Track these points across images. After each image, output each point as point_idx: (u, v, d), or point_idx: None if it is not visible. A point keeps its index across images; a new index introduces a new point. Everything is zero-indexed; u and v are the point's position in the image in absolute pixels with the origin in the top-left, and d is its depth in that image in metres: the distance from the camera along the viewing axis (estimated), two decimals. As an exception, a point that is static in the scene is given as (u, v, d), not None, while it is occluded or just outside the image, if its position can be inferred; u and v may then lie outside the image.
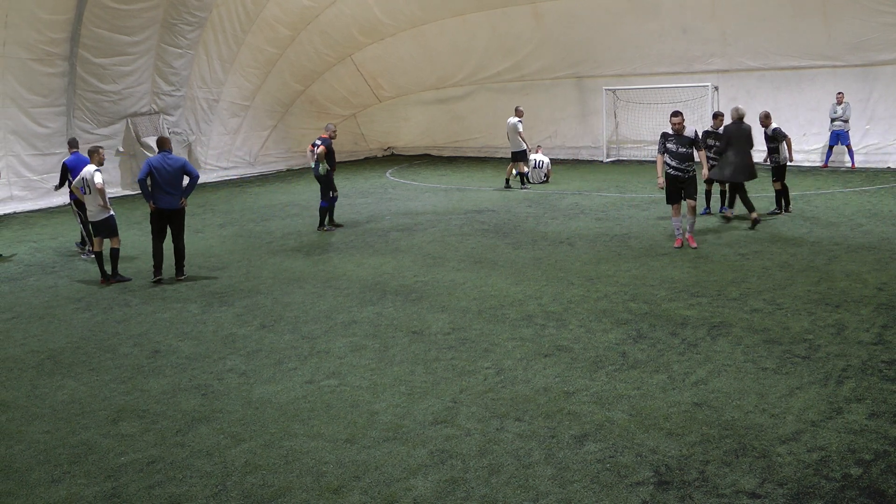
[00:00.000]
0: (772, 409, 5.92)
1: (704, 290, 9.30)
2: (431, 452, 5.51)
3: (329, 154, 14.15)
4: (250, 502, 4.99)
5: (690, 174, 11.50)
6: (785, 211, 13.84)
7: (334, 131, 14.64)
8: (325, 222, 14.57)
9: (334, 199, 14.52)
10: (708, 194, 14.19)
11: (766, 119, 13.54)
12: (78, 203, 13.10)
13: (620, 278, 10.01)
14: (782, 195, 13.79)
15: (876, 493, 4.72)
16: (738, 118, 13.07)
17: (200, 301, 9.93)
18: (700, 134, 11.50)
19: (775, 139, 13.30)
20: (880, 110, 19.43)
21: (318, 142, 14.30)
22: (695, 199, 11.67)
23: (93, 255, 12.31)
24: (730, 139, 13.05)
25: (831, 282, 9.39)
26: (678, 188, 11.59)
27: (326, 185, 14.33)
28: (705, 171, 12.21)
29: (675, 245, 11.65)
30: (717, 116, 13.87)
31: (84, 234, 12.99)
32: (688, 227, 11.80)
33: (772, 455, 5.22)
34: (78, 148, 13.61)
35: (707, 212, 14.16)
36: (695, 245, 11.60)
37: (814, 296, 8.85)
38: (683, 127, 11.45)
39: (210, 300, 9.96)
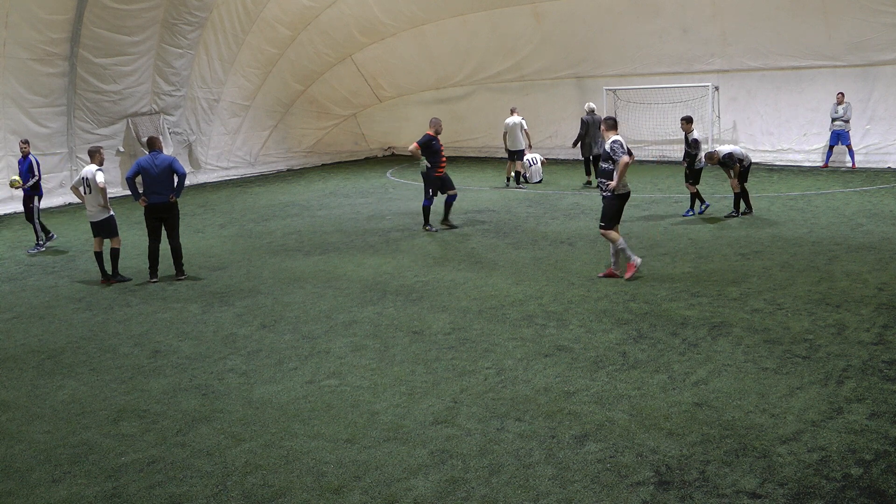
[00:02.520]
0: (772, 409, 5.92)
1: (705, 290, 9.30)
2: (432, 452, 5.51)
3: (425, 149, 13.57)
4: (251, 502, 4.99)
5: (605, 193, 9.86)
6: (699, 209, 14.23)
7: (437, 125, 13.87)
8: (427, 222, 14.02)
9: (431, 200, 13.93)
10: (693, 196, 14.20)
11: (687, 125, 14.05)
12: (29, 199, 13.93)
13: (621, 278, 10.00)
14: (696, 196, 14.20)
15: (876, 494, 4.72)
16: (590, 111, 18.58)
17: (201, 301, 9.93)
18: (614, 146, 9.64)
19: (696, 146, 13.92)
20: (881, 110, 19.41)
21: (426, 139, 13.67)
22: (602, 227, 9.93)
23: (42, 249, 13.75)
24: (589, 126, 18.26)
25: (832, 282, 9.39)
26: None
27: (425, 182, 13.83)
28: (613, 183, 9.72)
29: (626, 276, 9.92)
30: (690, 121, 14.16)
31: (35, 230, 13.92)
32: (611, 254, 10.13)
33: (772, 455, 5.22)
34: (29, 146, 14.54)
35: (690, 213, 14.18)
36: (600, 275, 10.06)
37: (814, 296, 8.85)
38: (610, 134, 9.84)
39: (210, 300, 9.96)
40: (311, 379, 7.07)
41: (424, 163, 13.65)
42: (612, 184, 9.75)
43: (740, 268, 10.26)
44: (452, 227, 14.07)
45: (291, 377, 7.13)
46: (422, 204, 14.02)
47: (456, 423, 5.98)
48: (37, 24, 17.66)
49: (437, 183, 13.80)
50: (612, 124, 9.98)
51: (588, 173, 18.71)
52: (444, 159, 13.83)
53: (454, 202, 14.22)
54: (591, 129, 18.26)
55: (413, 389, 6.69)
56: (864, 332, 7.55)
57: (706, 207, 14.21)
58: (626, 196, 10.00)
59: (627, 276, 9.92)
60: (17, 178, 13.78)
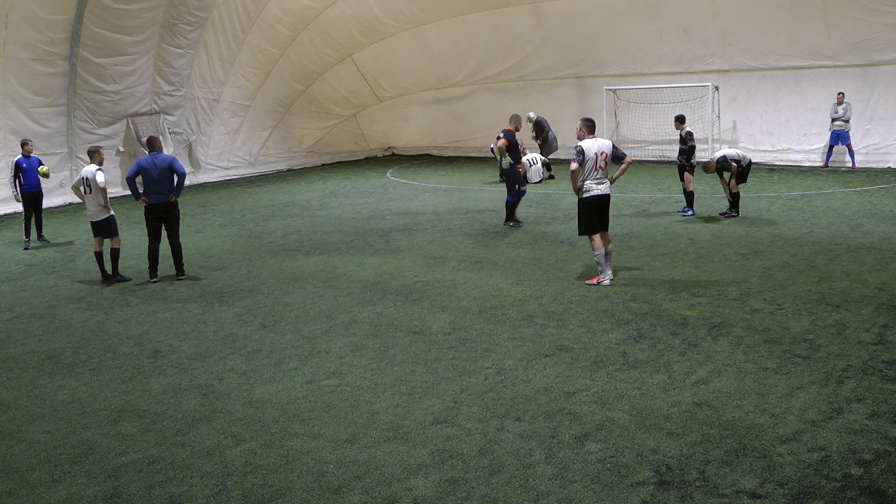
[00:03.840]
0: (772, 409, 5.92)
1: (705, 290, 9.30)
2: (432, 452, 5.51)
3: (511, 147, 13.64)
4: (251, 502, 4.99)
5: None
6: (688, 212, 14.27)
7: (518, 122, 13.97)
8: (511, 217, 14.01)
9: (521, 193, 13.89)
10: (690, 195, 14.22)
11: (680, 124, 14.23)
12: (25, 198, 14.22)
13: (621, 278, 10.00)
14: (692, 196, 14.32)
15: (876, 493, 4.72)
16: (534, 117, 20.58)
17: (201, 301, 9.93)
18: (575, 150, 9.62)
19: (686, 141, 14.07)
20: (881, 110, 19.42)
21: (501, 134, 13.78)
22: (578, 233, 10.01)
23: (31, 245, 14.12)
24: (546, 127, 20.54)
25: (832, 282, 9.39)
26: None
27: (511, 179, 13.82)
28: (573, 189, 9.81)
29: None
30: (683, 120, 14.33)
31: (26, 227, 14.26)
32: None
33: (772, 455, 5.22)
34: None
35: (692, 213, 14.18)
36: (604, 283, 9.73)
37: (814, 296, 8.84)
38: (579, 136, 9.78)
39: (210, 300, 9.95)
40: (311, 379, 7.06)
41: (507, 159, 13.66)
42: (573, 189, 9.74)
43: (740, 268, 10.26)
44: (518, 223, 14.05)
45: (291, 377, 7.13)
46: (506, 200, 14.00)
47: (456, 423, 5.98)
48: (37, 24, 17.66)
49: (519, 177, 13.84)
50: (586, 128, 9.74)
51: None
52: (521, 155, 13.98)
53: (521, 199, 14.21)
54: (543, 129, 20.45)
55: (413, 389, 6.69)
56: (864, 332, 7.55)
57: (691, 214, 14.18)
58: (596, 201, 9.61)
59: (587, 281, 9.82)
60: (45, 167, 14.35)
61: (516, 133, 13.83)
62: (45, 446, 5.95)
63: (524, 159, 19.83)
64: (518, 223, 13.98)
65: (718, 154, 13.66)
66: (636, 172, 20.48)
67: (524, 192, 14.04)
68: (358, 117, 28.43)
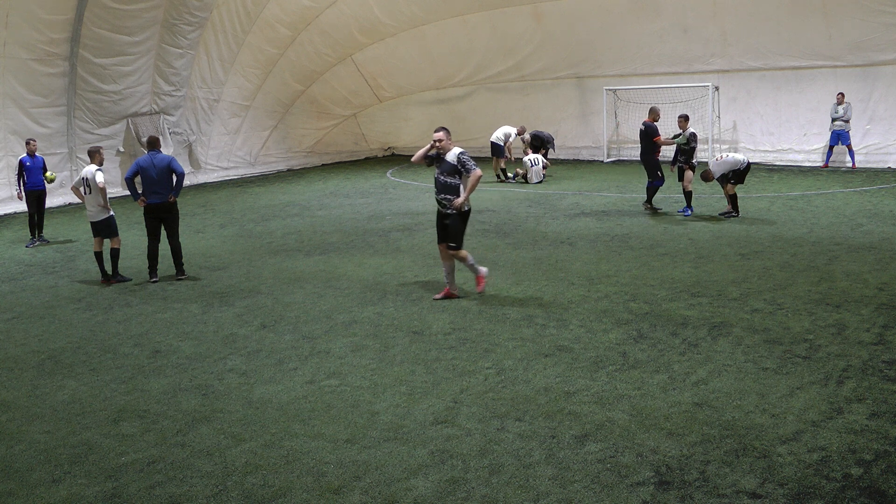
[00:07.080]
0: (772, 409, 5.92)
1: (705, 290, 9.30)
2: (432, 452, 5.51)
3: (654, 134, 14.40)
4: (251, 502, 4.99)
5: (449, 210, 9.01)
6: (687, 212, 14.39)
7: (657, 113, 14.67)
8: (651, 202, 14.76)
9: (661, 180, 14.56)
10: (689, 195, 14.24)
11: (685, 122, 14.36)
12: (29, 196, 14.44)
13: (621, 278, 10.01)
14: (691, 195, 14.48)
15: (876, 494, 4.72)
16: (528, 138, 20.83)
17: (201, 301, 9.93)
18: (463, 158, 8.86)
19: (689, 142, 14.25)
20: (881, 110, 19.43)
21: (643, 127, 14.52)
22: (451, 245, 9.07)
23: (36, 244, 14.24)
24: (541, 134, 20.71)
25: (832, 282, 9.39)
26: (440, 223, 9.18)
27: (652, 166, 14.47)
28: (459, 200, 8.93)
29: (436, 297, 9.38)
30: (687, 119, 14.44)
31: (31, 225, 14.49)
32: (444, 275, 9.40)
33: (772, 455, 5.22)
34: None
35: (690, 212, 14.20)
36: (437, 297, 9.33)
37: (814, 296, 8.84)
38: (447, 146, 8.96)
39: (210, 300, 9.95)
40: (311, 379, 7.06)
41: (685, 134, 14.23)
42: (460, 200, 8.95)
43: (740, 268, 10.26)
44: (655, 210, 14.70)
45: (291, 377, 7.13)
46: (653, 185, 14.55)
47: (456, 423, 5.98)
48: (37, 24, 17.65)
49: (659, 165, 14.50)
50: (450, 138, 9.08)
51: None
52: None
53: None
54: (540, 138, 21.08)
55: (413, 389, 6.69)
56: (864, 332, 7.55)
57: (689, 214, 14.21)
58: (468, 212, 9.23)
59: (480, 289, 9.46)
60: (52, 174, 14.66)
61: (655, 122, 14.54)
62: (45, 446, 5.95)
63: (525, 160, 19.90)
64: (655, 209, 14.61)
65: (717, 171, 13.53)
66: (636, 172, 20.45)
67: (663, 180, 14.60)
68: (358, 117, 28.43)
